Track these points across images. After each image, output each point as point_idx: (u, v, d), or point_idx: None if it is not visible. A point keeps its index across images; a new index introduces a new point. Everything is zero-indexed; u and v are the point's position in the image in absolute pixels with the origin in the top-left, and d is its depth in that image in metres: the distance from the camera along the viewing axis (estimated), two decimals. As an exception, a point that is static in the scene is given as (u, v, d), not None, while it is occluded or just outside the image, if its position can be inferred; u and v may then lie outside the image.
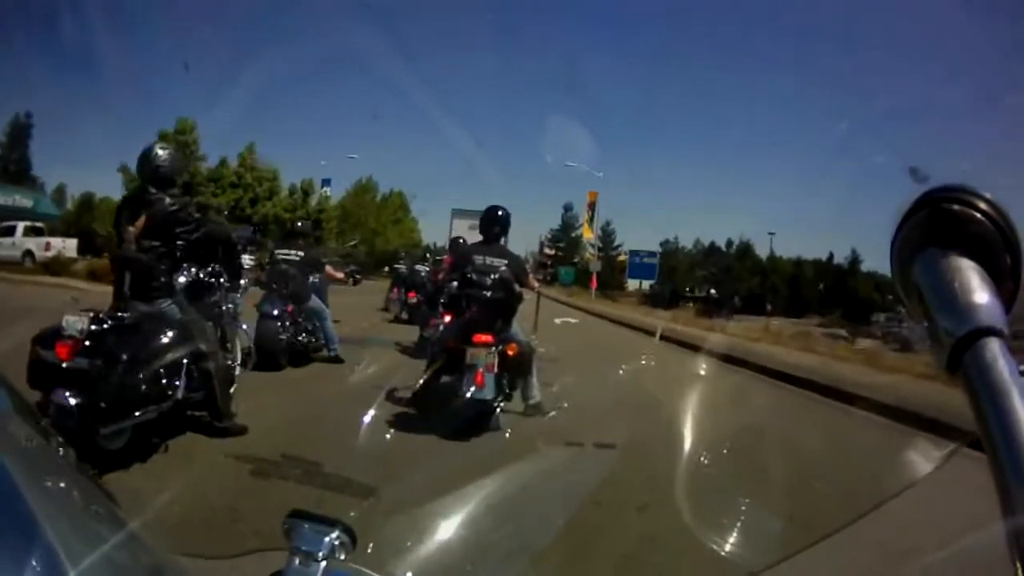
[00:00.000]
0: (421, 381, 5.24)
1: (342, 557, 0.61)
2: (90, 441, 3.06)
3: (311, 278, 7.03)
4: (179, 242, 3.74)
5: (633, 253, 38.59)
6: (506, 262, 4.94)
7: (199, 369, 3.72)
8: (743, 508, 2.38)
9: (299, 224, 7.83)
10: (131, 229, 3.62)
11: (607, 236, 40.04)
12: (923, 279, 0.45)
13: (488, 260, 4.91)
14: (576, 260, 38.18)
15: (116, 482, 2.91)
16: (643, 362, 9.19)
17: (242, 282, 4.73)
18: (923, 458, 2.88)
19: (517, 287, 4.92)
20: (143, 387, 3.34)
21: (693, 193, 57.10)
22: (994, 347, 0.40)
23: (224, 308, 4.34)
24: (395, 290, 11.23)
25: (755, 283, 38.96)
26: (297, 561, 0.60)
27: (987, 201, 0.45)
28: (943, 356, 0.41)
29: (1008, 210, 0.45)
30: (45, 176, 28.63)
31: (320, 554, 0.60)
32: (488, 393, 4.43)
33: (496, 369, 4.47)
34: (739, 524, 2.11)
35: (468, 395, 4.39)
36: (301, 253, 6.91)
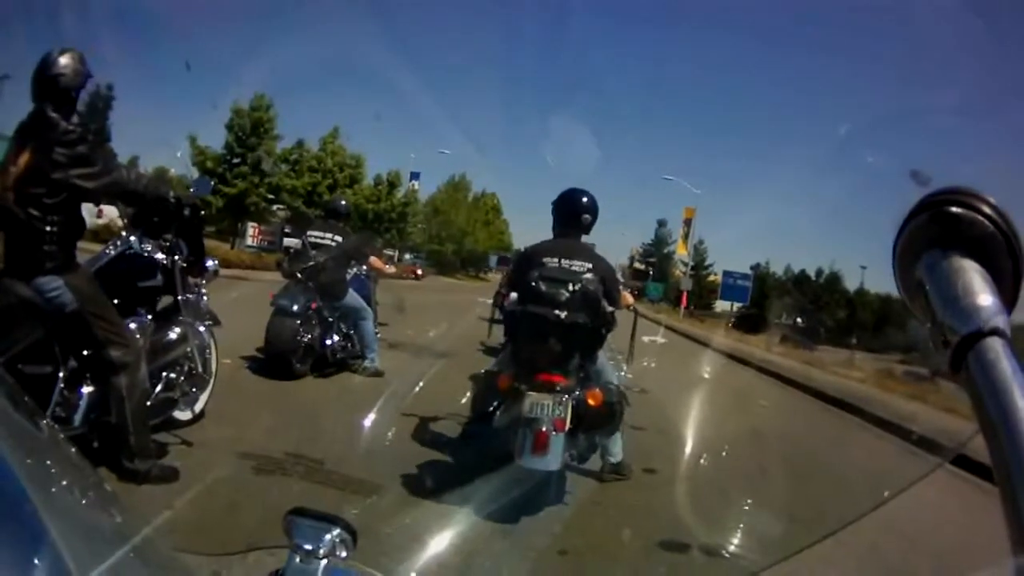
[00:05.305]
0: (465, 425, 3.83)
1: (343, 555, 0.59)
2: None
3: (352, 270, 5.67)
4: (78, 191, 2.42)
5: (727, 274, 37.55)
6: (590, 266, 3.28)
7: (100, 386, 2.57)
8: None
9: (342, 203, 6.12)
10: (11, 168, 2.35)
11: (699, 255, 40.38)
12: (926, 280, 0.45)
13: (564, 263, 3.27)
14: (661, 277, 37.04)
15: (117, 479, 2.55)
16: (762, 403, 8.14)
17: (208, 264, 3.37)
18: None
19: (605, 304, 3.29)
20: None
21: (788, 219, 54.67)
22: (997, 347, 0.39)
23: (180, 299, 3.01)
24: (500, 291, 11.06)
25: (842, 315, 38.26)
26: (298, 559, 0.57)
27: (989, 203, 0.44)
28: (946, 356, 0.41)
29: (1009, 212, 0.44)
30: (120, 149, 28.92)
31: (321, 552, 0.57)
32: (552, 463, 2.85)
33: (568, 426, 2.88)
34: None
35: (523, 463, 2.83)
36: (339, 238, 5.46)
